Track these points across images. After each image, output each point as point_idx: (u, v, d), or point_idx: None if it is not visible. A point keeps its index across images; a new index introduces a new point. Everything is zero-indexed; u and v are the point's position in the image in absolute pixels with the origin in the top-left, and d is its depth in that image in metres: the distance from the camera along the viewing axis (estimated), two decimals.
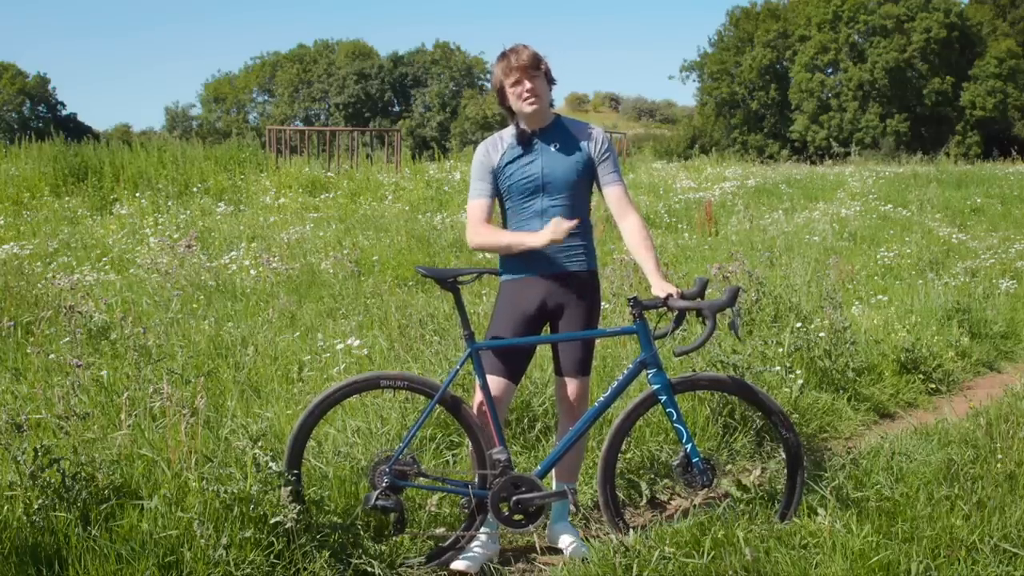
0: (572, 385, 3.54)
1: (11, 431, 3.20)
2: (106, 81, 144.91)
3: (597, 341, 5.09)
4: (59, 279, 6.54)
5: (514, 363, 3.48)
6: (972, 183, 18.41)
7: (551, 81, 3.47)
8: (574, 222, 3.31)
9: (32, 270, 7.44)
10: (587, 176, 3.48)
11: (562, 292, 3.45)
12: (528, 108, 3.38)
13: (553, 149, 3.44)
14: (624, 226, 3.46)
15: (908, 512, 3.46)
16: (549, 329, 3.56)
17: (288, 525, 3.05)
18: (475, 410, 3.40)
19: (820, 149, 43.47)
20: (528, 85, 3.36)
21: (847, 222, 12.38)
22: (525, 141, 3.44)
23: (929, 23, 46.52)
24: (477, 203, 3.47)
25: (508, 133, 3.51)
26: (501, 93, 3.46)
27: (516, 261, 3.46)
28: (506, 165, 3.45)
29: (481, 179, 3.48)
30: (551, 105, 3.51)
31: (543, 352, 4.50)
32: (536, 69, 3.38)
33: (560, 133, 3.47)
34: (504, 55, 3.42)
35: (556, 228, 3.27)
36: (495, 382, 3.41)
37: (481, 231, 3.44)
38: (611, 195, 3.48)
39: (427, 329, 5.56)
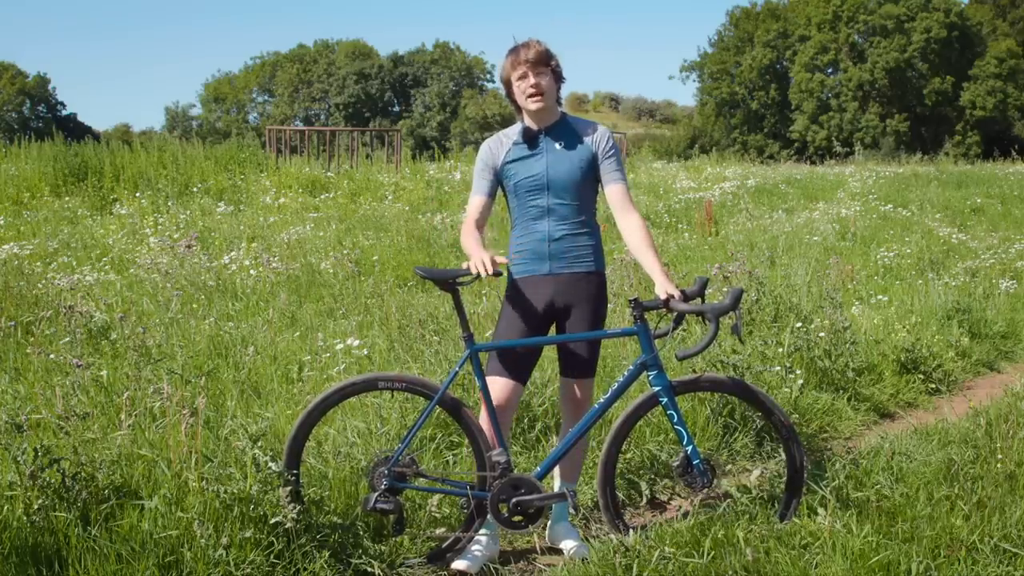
0: (578, 386, 3.52)
1: (11, 431, 3.20)
2: (106, 81, 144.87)
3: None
4: (59, 279, 6.54)
5: (521, 364, 3.45)
6: (972, 183, 18.40)
7: (559, 79, 3.43)
8: (489, 270, 3.12)
9: (32, 270, 7.43)
10: (592, 175, 3.45)
11: (571, 293, 3.43)
12: (532, 105, 3.36)
13: (558, 147, 3.42)
14: (625, 225, 3.43)
15: (908, 512, 3.46)
16: (555, 329, 3.54)
17: (288, 525, 3.05)
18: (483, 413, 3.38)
19: (820, 149, 43.45)
20: (533, 80, 3.33)
21: (847, 222, 12.37)
22: (531, 139, 3.43)
23: (929, 23, 46.54)
24: (475, 200, 3.48)
25: (514, 131, 3.50)
26: (508, 86, 3.43)
27: (525, 259, 3.44)
28: (510, 163, 3.43)
29: (482, 176, 3.48)
30: (559, 103, 3.48)
31: (545, 352, 4.49)
32: (544, 65, 3.35)
33: (565, 131, 3.45)
34: (514, 49, 3.38)
35: (484, 263, 3.13)
36: (501, 383, 3.39)
37: (464, 229, 3.42)
38: (613, 193, 3.45)
39: (427, 329, 5.56)
